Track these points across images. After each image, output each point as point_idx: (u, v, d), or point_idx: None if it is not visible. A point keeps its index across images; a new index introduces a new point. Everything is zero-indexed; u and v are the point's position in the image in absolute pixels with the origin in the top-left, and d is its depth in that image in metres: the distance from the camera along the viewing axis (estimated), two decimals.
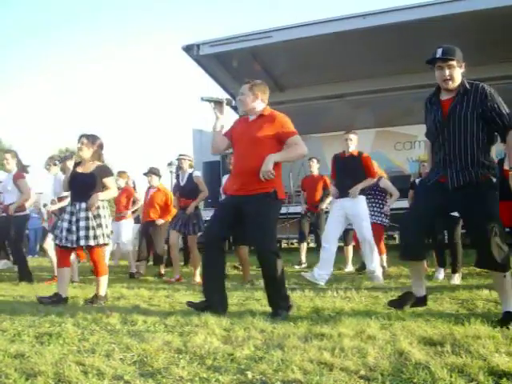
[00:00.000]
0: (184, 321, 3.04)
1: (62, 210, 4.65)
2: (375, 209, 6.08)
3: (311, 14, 68.02)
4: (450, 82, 2.88)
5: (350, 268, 6.48)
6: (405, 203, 6.27)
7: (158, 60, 73.63)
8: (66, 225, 4.03)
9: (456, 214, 3.85)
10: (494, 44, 8.35)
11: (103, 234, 4.04)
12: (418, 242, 3.04)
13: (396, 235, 14.30)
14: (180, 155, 6.02)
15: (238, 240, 5.46)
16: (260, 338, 2.59)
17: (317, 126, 11.60)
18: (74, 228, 3.98)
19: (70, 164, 4.26)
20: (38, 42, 58.93)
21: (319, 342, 2.44)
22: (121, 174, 7.19)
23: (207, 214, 9.38)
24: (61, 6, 59.59)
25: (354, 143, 5.33)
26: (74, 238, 3.97)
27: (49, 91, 58.98)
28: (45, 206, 12.33)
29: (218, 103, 3.49)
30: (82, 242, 3.96)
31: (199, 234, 5.88)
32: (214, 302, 3.33)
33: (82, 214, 4.01)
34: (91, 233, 3.98)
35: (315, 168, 7.13)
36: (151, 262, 7.09)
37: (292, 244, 15.45)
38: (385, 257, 6.04)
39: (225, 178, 6.10)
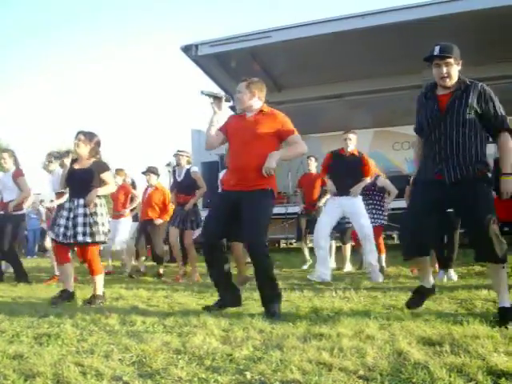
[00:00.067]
0: (183, 321, 3.04)
1: (59, 207, 4.64)
2: (374, 210, 6.08)
3: (311, 14, 68.00)
4: (448, 79, 2.92)
5: (348, 268, 6.47)
6: (403, 203, 6.28)
7: (158, 60, 73.50)
8: (63, 221, 4.02)
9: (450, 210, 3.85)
10: (492, 44, 8.35)
11: (100, 232, 4.03)
12: (419, 239, 3.05)
13: (395, 235, 14.34)
14: (178, 151, 6.02)
15: (232, 236, 5.43)
16: (259, 338, 2.59)
17: (315, 126, 11.61)
18: (70, 224, 3.98)
19: (68, 161, 4.24)
20: (37, 42, 58.76)
21: (318, 342, 2.44)
22: (118, 171, 7.19)
23: (205, 214, 9.41)
24: (61, 5, 59.48)
25: (354, 143, 5.36)
26: (71, 233, 3.96)
27: (49, 91, 58.74)
28: (41, 201, 12.34)
29: (216, 98, 3.51)
30: (80, 238, 3.94)
31: (197, 231, 5.87)
32: (227, 300, 3.48)
33: (80, 210, 4.00)
34: (88, 230, 3.97)
35: (313, 166, 7.14)
36: (152, 262, 7.10)
37: (291, 244, 15.46)
38: (384, 256, 6.04)
39: (222, 174, 6.09)
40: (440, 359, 2.10)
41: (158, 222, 6.46)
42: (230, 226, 3.42)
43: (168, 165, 6.34)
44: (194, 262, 5.74)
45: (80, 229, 3.95)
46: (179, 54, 9.48)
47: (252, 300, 3.77)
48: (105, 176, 4.16)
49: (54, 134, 50.75)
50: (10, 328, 3.02)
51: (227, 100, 3.55)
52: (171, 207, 6.49)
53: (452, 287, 4.29)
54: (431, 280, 3.28)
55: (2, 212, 5.77)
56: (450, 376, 1.89)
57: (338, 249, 6.76)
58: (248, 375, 2.01)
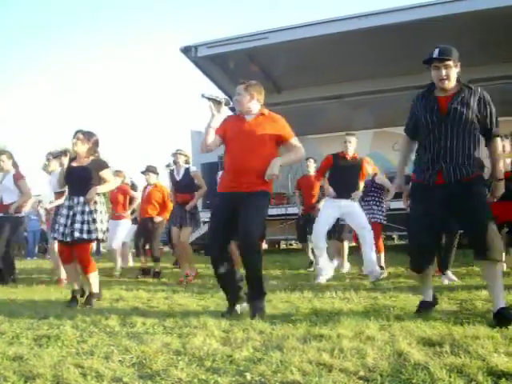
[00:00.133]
0: (183, 322, 3.04)
1: (59, 206, 4.64)
2: (373, 208, 6.10)
3: (311, 14, 68.03)
4: (447, 82, 2.94)
5: (347, 267, 6.44)
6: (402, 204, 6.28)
7: (158, 60, 73.64)
8: (63, 220, 4.02)
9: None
10: (495, 44, 8.37)
11: (97, 229, 4.02)
12: (427, 252, 3.12)
13: (395, 235, 14.35)
14: (176, 150, 6.02)
15: (233, 237, 5.42)
16: (259, 339, 2.58)
17: (314, 127, 11.61)
18: (69, 222, 3.98)
19: (66, 160, 4.23)
20: (37, 42, 58.81)
21: (318, 343, 2.44)
22: (117, 172, 7.20)
23: (205, 216, 9.40)
24: (61, 5, 59.54)
25: (354, 145, 5.38)
26: (69, 231, 3.95)
27: (49, 91, 58.84)
28: (40, 202, 12.35)
29: (216, 102, 3.49)
30: (76, 235, 3.92)
31: (195, 231, 5.87)
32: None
33: (80, 208, 4.00)
34: (85, 227, 3.96)
35: (312, 168, 7.14)
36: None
37: (291, 245, 15.46)
38: (383, 255, 6.05)
39: (220, 174, 6.08)
40: (440, 360, 2.10)
41: (158, 219, 6.49)
42: (231, 230, 3.42)
43: (168, 165, 6.34)
44: (188, 259, 5.72)
45: (77, 226, 3.94)
46: (179, 54, 9.50)
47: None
48: (104, 173, 4.15)
49: (54, 133, 50.60)
50: (10, 329, 3.01)
51: (227, 104, 3.54)
52: (171, 205, 6.49)
53: (452, 287, 4.29)
54: (431, 293, 3.30)
55: (1, 214, 5.79)
56: (450, 377, 1.89)
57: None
58: (248, 376, 2.01)
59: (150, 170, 6.63)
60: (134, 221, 7.51)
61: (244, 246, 3.31)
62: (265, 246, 12.75)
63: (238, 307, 3.39)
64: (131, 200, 7.13)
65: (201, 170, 9.97)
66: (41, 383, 2.01)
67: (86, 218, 3.98)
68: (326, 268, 5.29)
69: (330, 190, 5.32)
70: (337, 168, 5.36)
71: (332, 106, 11.02)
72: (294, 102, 11.09)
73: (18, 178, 5.89)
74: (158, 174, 6.76)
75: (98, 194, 4.10)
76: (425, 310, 3.15)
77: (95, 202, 4.05)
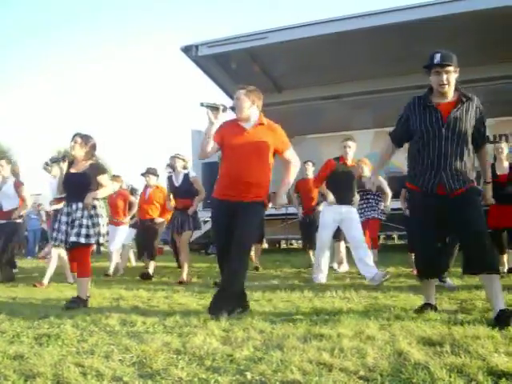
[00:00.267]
0: (183, 322, 3.04)
1: (58, 212, 4.65)
2: (370, 205, 6.13)
3: (311, 14, 68.13)
4: (447, 87, 2.97)
5: (345, 267, 6.45)
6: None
7: (158, 60, 73.69)
8: (63, 227, 4.02)
9: None
10: (494, 44, 8.36)
11: (96, 233, 4.00)
12: (434, 262, 3.14)
13: (395, 235, 14.36)
14: (174, 154, 6.01)
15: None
16: (259, 338, 2.59)
17: (315, 126, 11.62)
18: (69, 229, 3.97)
19: (64, 166, 4.22)
20: (37, 42, 59.00)
21: (318, 343, 2.44)
22: (115, 178, 7.20)
23: (206, 215, 9.40)
24: (61, 6, 59.62)
25: (353, 150, 5.37)
26: (67, 237, 3.95)
27: (49, 91, 59.00)
28: (39, 205, 12.37)
29: (214, 108, 3.48)
30: (74, 239, 3.90)
31: (195, 232, 5.86)
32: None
33: (78, 214, 3.98)
34: (84, 231, 3.94)
35: (311, 171, 7.13)
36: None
37: (291, 244, 15.48)
38: (376, 252, 6.09)
39: None
40: (440, 359, 2.10)
41: (159, 220, 6.48)
42: (231, 233, 3.45)
43: (168, 165, 6.33)
44: (186, 261, 5.71)
45: (75, 230, 3.93)
46: (179, 54, 9.48)
47: (252, 301, 3.76)
48: (101, 179, 4.13)
49: (53, 134, 50.73)
50: (11, 328, 3.02)
51: (224, 110, 3.53)
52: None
53: (452, 288, 4.29)
54: (433, 295, 3.34)
55: (2, 221, 5.92)
56: (450, 376, 1.89)
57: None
58: (248, 375, 2.01)
59: (150, 171, 6.63)
60: (134, 225, 7.51)
61: (233, 254, 3.32)
62: (265, 245, 12.76)
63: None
64: (130, 205, 7.13)
65: (201, 169, 9.98)
66: (41, 382, 2.01)
67: (84, 222, 3.96)
68: (325, 269, 5.31)
69: (332, 197, 5.27)
70: (337, 174, 5.32)
71: (332, 106, 11.02)
72: (294, 101, 11.09)
73: (18, 185, 6.08)
74: (158, 176, 6.76)
75: (97, 199, 4.10)
76: (426, 311, 3.14)
77: (93, 207, 4.04)
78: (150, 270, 6.23)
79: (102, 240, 4.10)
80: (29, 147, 43.26)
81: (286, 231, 10.29)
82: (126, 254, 7.53)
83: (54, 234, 4.10)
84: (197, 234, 8.61)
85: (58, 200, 5.66)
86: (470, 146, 3.01)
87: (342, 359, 2.16)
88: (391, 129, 3.37)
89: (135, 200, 7.20)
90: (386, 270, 5.85)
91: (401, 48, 8.60)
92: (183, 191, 5.83)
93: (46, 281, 5.49)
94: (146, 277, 6.05)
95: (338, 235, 6.38)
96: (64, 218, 4.04)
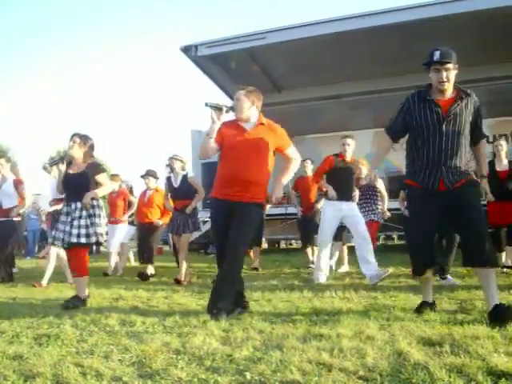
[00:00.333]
0: (183, 322, 3.04)
1: (57, 212, 4.66)
2: (369, 207, 6.14)
3: (311, 14, 68.06)
4: (447, 84, 2.99)
5: (346, 267, 6.46)
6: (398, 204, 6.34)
7: (158, 60, 73.62)
8: (63, 226, 4.02)
9: None
10: (494, 44, 8.37)
11: (96, 233, 4.01)
12: (429, 255, 3.13)
13: (394, 235, 14.36)
14: (172, 155, 6.01)
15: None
16: (259, 338, 2.59)
17: (314, 126, 11.62)
18: (68, 228, 3.97)
19: (62, 167, 4.22)
20: (37, 42, 58.83)
21: (318, 343, 2.44)
22: (113, 177, 7.20)
23: (205, 215, 9.39)
24: (61, 5, 59.39)
25: (352, 148, 5.38)
26: (67, 237, 3.95)
27: (49, 91, 58.87)
28: (38, 209, 12.37)
29: (217, 109, 3.48)
30: (74, 239, 3.91)
31: (195, 232, 5.85)
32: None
33: (77, 214, 3.99)
34: (83, 231, 3.94)
35: (309, 169, 7.13)
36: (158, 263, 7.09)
37: (290, 244, 15.48)
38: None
39: None
40: (440, 360, 2.10)
41: (159, 223, 6.48)
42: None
43: (168, 166, 6.33)
44: (184, 262, 5.71)
45: (75, 231, 3.93)
46: (179, 54, 9.49)
47: (251, 301, 3.76)
48: (100, 178, 4.13)
49: (53, 134, 50.68)
50: (10, 329, 3.02)
51: (227, 111, 3.53)
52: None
53: (452, 288, 4.29)
54: (431, 294, 3.33)
55: (1, 219, 5.90)
56: (449, 376, 1.89)
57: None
58: (248, 376, 2.01)
59: (149, 173, 6.63)
60: (132, 223, 7.51)
61: (229, 253, 3.33)
62: (265, 245, 12.76)
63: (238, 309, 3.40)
64: (130, 204, 7.13)
65: (201, 169, 9.98)
66: (41, 382, 2.01)
67: (83, 222, 3.97)
68: (325, 268, 5.32)
69: (333, 192, 5.27)
70: (337, 170, 5.34)
71: (332, 106, 11.02)
72: (294, 101, 11.10)
73: (18, 183, 6.06)
74: (157, 178, 6.76)
75: (96, 198, 4.10)
76: (424, 310, 3.15)
77: (92, 207, 4.04)
78: (148, 271, 6.23)
79: (101, 239, 4.11)
80: (29, 147, 43.29)
81: (285, 231, 10.29)
82: (125, 254, 7.53)
83: (54, 234, 4.12)
84: (196, 233, 8.59)
85: (57, 201, 5.68)
86: (469, 141, 3.06)
87: (341, 359, 2.15)
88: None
89: (135, 199, 7.20)
90: (387, 270, 5.86)
91: (401, 48, 8.60)
92: (182, 192, 5.82)
93: (45, 281, 5.50)
94: (144, 277, 6.05)
95: (338, 235, 6.40)
96: (63, 218, 4.05)
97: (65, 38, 63.16)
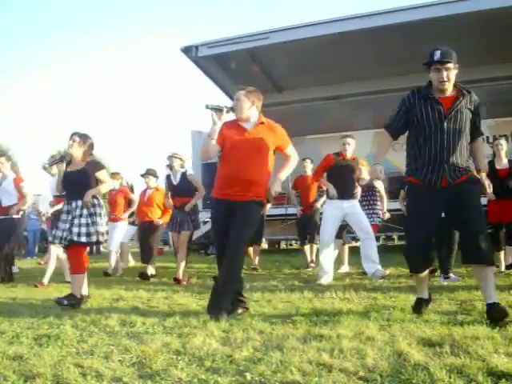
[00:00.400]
0: (183, 322, 3.04)
1: (57, 213, 4.66)
2: (367, 209, 6.15)
3: (312, 14, 68.08)
4: (447, 84, 3.00)
5: (346, 268, 6.45)
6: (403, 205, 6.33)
7: (158, 60, 73.66)
8: (62, 225, 4.02)
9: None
10: (498, 44, 8.36)
11: (96, 232, 4.01)
12: (426, 253, 3.16)
13: (395, 236, 14.35)
14: (171, 153, 6.01)
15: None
16: (259, 339, 2.59)
17: (315, 127, 11.61)
18: (68, 226, 3.97)
19: (62, 167, 4.23)
20: (37, 42, 58.87)
21: (318, 343, 2.44)
22: (114, 175, 7.19)
23: (205, 216, 9.39)
24: (61, 5, 59.49)
25: (352, 147, 5.39)
26: (68, 235, 3.95)
27: (49, 91, 58.90)
28: (38, 210, 12.37)
29: (218, 110, 3.48)
30: (74, 238, 3.91)
31: (195, 231, 5.85)
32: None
33: (78, 212, 3.99)
34: (84, 230, 3.94)
35: (309, 168, 7.14)
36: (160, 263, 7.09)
37: (291, 245, 15.47)
38: None
39: None
40: (440, 360, 2.10)
41: (160, 222, 6.48)
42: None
43: (168, 166, 6.33)
44: (183, 262, 5.71)
45: (75, 229, 3.93)
46: (179, 54, 9.49)
47: (251, 301, 3.76)
48: (100, 174, 4.14)
49: (53, 134, 50.68)
50: (10, 329, 3.02)
51: (228, 112, 3.53)
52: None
53: (452, 288, 4.29)
54: (427, 290, 3.33)
55: (1, 216, 5.89)
56: (450, 377, 1.89)
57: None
58: (248, 376, 2.01)
59: (149, 173, 6.63)
60: (133, 223, 7.51)
61: (228, 252, 3.33)
62: (265, 245, 12.76)
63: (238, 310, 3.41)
64: (130, 202, 7.13)
65: (201, 169, 9.98)
66: (41, 383, 2.01)
67: (84, 221, 3.97)
68: (329, 271, 5.33)
69: (334, 190, 5.28)
70: (337, 168, 5.35)
71: (333, 106, 11.03)
72: (294, 102, 11.10)
73: (18, 181, 6.04)
74: (157, 177, 6.77)
75: (96, 197, 4.10)
76: (421, 307, 3.16)
77: (93, 205, 4.04)
78: (149, 271, 6.23)
79: (101, 238, 4.11)
80: (29, 147, 43.28)
81: (285, 232, 10.28)
82: (125, 254, 7.53)
83: (54, 232, 4.12)
84: (197, 233, 8.58)
85: (57, 199, 5.67)
86: (469, 139, 3.09)
87: (341, 360, 2.15)
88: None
89: (135, 197, 7.20)
90: (386, 270, 5.86)
91: (404, 48, 8.59)
92: (181, 189, 5.83)
93: (46, 280, 5.51)
94: (144, 277, 6.06)
95: (338, 233, 6.39)
96: (64, 216, 4.05)
97: (65, 38, 63.29)
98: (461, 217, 3.02)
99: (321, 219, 5.85)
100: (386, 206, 6.38)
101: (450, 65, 2.97)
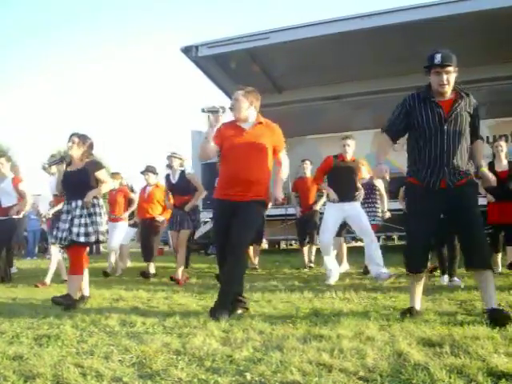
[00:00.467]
0: (183, 322, 3.04)
1: (58, 213, 4.65)
2: (373, 209, 6.14)
3: (312, 14, 68.13)
4: (447, 87, 3.01)
5: (346, 266, 6.44)
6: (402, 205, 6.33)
7: (158, 60, 73.71)
8: (62, 225, 4.02)
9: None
10: (498, 44, 8.36)
11: (96, 232, 4.00)
12: (425, 254, 3.16)
13: (395, 236, 14.35)
14: (171, 153, 6.01)
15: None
16: (259, 339, 2.59)
17: (315, 127, 11.61)
18: (67, 226, 3.97)
19: (62, 168, 4.23)
20: (37, 42, 58.89)
21: (318, 344, 2.44)
22: (114, 175, 7.19)
23: (206, 216, 9.39)
24: (61, 6, 59.50)
25: (352, 148, 5.39)
26: (67, 235, 3.94)
27: (49, 91, 58.94)
28: (38, 211, 12.37)
29: (214, 112, 3.49)
30: (74, 238, 3.91)
31: (196, 231, 5.84)
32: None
33: (78, 212, 3.99)
34: (83, 230, 3.94)
35: (308, 170, 7.13)
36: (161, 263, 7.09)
37: (291, 245, 15.47)
38: None
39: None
40: (440, 360, 2.10)
41: (161, 218, 6.48)
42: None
43: (168, 166, 6.33)
44: (182, 261, 5.71)
45: (75, 229, 3.93)
46: (179, 54, 9.48)
47: (251, 301, 3.76)
48: (100, 174, 4.14)
49: (53, 134, 50.69)
50: (10, 329, 3.02)
51: (224, 112, 3.53)
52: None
53: (452, 288, 4.29)
54: (419, 301, 3.25)
55: (1, 217, 5.88)
56: (450, 377, 1.89)
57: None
58: (248, 376, 2.01)
59: (149, 170, 6.65)
60: (133, 225, 7.50)
61: (230, 254, 3.33)
62: (265, 245, 12.75)
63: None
64: (130, 202, 7.12)
65: (201, 169, 9.97)
66: (41, 383, 2.01)
67: (83, 221, 3.96)
68: (335, 271, 5.33)
69: (334, 195, 5.29)
70: (337, 170, 5.35)
71: (333, 106, 11.02)
72: (294, 102, 11.09)
73: (17, 181, 6.02)
74: (157, 174, 6.77)
75: (96, 196, 4.10)
76: (410, 316, 3.04)
77: (93, 205, 4.04)
78: (150, 270, 6.24)
79: (101, 238, 4.10)
80: (29, 147, 43.22)
81: (285, 232, 10.27)
82: (124, 255, 7.52)
83: (54, 232, 4.13)
84: (197, 233, 8.57)
85: (57, 199, 5.67)
86: (468, 141, 3.09)
87: (341, 360, 2.16)
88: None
89: (135, 197, 7.20)
90: (392, 273, 5.86)
91: (404, 48, 8.59)
92: (180, 188, 5.82)
93: (48, 280, 5.52)
94: (146, 276, 6.07)
95: (338, 232, 6.39)
96: (64, 217, 4.05)
97: (65, 38, 63.31)
98: (460, 220, 3.03)
99: (321, 219, 5.85)
100: (386, 206, 6.38)
101: (451, 68, 2.97)
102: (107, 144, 52.54)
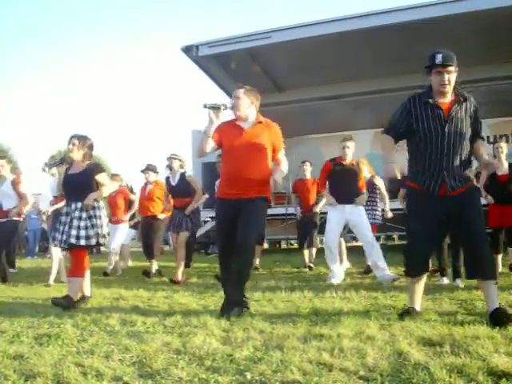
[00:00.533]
0: (183, 321, 3.05)
1: (58, 212, 4.65)
2: (367, 208, 6.15)
3: (312, 14, 68.18)
4: (448, 87, 2.99)
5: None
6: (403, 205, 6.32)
7: (158, 60, 73.72)
8: (62, 227, 4.01)
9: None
10: (496, 44, 8.36)
11: (96, 234, 3.99)
12: (426, 259, 3.16)
13: (395, 235, 14.35)
14: (171, 154, 6.01)
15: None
16: (259, 338, 2.59)
17: (315, 126, 11.61)
18: (67, 228, 3.96)
19: (62, 170, 4.23)
20: (37, 42, 58.85)
21: (318, 343, 2.44)
22: (114, 176, 7.19)
23: (206, 215, 9.38)
24: (61, 6, 59.47)
25: (352, 150, 5.37)
26: (66, 237, 3.94)
27: (49, 91, 58.96)
28: (39, 209, 12.37)
29: (216, 108, 3.49)
30: (73, 240, 3.89)
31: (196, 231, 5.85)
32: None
33: (77, 214, 3.98)
34: (83, 232, 3.92)
35: (308, 171, 7.11)
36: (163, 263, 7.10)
37: (291, 245, 15.46)
38: None
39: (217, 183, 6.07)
40: (440, 360, 2.10)
41: (162, 216, 6.49)
42: (235, 232, 3.45)
43: (168, 166, 6.34)
44: (181, 261, 5.71)
45: (74, 232, 3.91)
46: (179, 54, 9.49)
47: (252, 301, 3.76)
48: (100, 177, 4.11)
49: (54, 134, 50.73)
50: (11, 328, 3.02)
51: (225, 109, 3.53)
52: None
53: (452, 288, 4.29)
54: (420, 303, 3.23)
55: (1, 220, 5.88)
56: (450, 377, 1.89)
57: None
58: (248, 376, 2.01)
59: (149, 168, 6.65)
60: (134, 226, 7.50)
61: (238, 252, 3.34)
62: (265, 245, 12.75)
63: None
64: (130, 204, 7.12)
65: (201, 169, 9.98)
66: (41, 382, 2.01)
67: (83, 223, 3.95)
68: (339, 272, 5.35)
69: (332, 199, 5.32)
70: (335, 174, 5.35)
71: (333, 106, 11.01)
72: (295, 101, 11.09)
73: (17, 183, 6.01)
74: (157, 172, 6.77)
75: (97, 200, 4.09)
76: (408, 315, 3.03)
77: (93, 208, 4.03)
78: (153, 268, 6.25)
79: (102, 241, 4.09)
80: (29, 147, 43.19)
81: (286, 231, 10.27)
82: (125, 255, 7.52)
83: (53, 234, 4.12)
84: (198, 233, 8.55)
85: (57, 199, 5.67)
86: (469, 144, 3.06)
87: (342, 359, 2.16)
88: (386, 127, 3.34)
89: (135, 198, 7.19)
90: (396, 276, 5.85)
91: (403, 48, 8.60)
92: (180, 190, 5.83)
93: (51, 280, 5.54)
94: (147, 275, 6.09)
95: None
96: (63, 219, 4.05)
97: (65, 38, 63.30)
98: (463, 233, 3.02)
99: (321, 220, 5.85)
100: (388, 205, 6.36)
101: (452, 68, 2.97)
102: (107, 144, 52.56)
